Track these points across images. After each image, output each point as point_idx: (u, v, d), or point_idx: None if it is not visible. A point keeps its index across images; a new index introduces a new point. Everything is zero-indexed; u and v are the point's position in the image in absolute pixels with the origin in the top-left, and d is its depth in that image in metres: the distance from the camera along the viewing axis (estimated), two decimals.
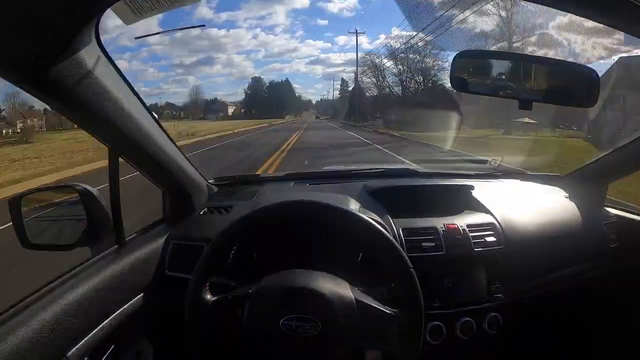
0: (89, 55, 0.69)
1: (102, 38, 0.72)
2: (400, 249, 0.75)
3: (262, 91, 55.39)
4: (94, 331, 0.84)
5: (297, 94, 60.66)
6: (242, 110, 50.83)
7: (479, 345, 1.10)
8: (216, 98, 54.01)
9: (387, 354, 0.77)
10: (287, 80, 60.11)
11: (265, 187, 1.42)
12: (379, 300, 0.75)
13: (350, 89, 36.57)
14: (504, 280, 1.13)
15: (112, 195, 0.97)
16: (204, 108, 50.20)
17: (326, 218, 0.81)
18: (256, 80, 57.78)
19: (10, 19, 0.53)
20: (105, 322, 0.88)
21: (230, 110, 50.68)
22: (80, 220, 1.01)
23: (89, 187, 1.01)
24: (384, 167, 1.65)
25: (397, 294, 0.76)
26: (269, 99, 53.72)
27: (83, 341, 0.81)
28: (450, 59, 1.00)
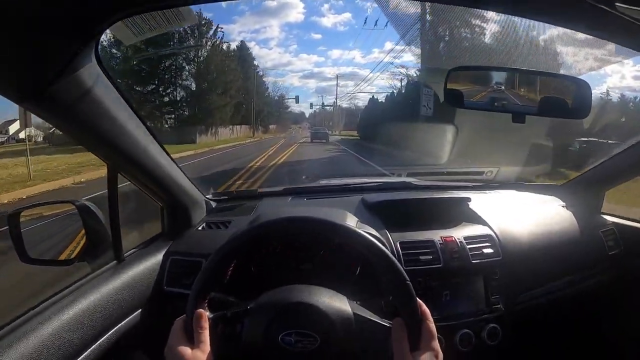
0: (88, 74, 0.70)
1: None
2: (397, 262, 0.75)
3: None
4: (92, 347, 0.84)
5: (276, 93, 38.60)
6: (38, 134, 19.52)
7: (479, 357, 1.10)
8: None
9: None
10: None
11: (263, 202, 1.43)
12: (377, 314, 0.75)
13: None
14: (502, 291, 1.13)
15: (111, 211, 0.98)
16: None
17: (323, 233, 0.81)
18: None
19: (13, 38, 0.54)
20: (104, 337, 0.88)
21: (19, 132, 21.35)
22: (79, 235, 1.02)
23: (87, 203, 1.01)
24: (381, 180, 1.66)
25: (395, 307, 0.76)
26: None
27: (81, 357, 0.81)
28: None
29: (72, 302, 0.84)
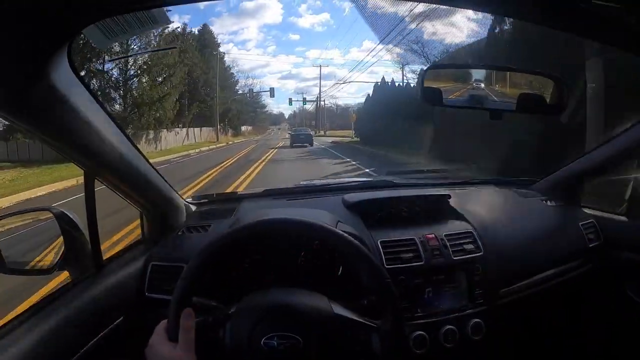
0: (60, 79, 0.68)
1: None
2: (377, 261, 0.76)
3: None
4: (75, 357, 0.83)
5: (248, 87, 31.66)
6: None
7: (464, 352, 1.11)
8: None
9: None
10: None
11: (243, 205, 1.41)
12: (359, 313, 0.75)
13: None
14: (485, 286, 1.14)
15: (89, 218, 0.96)
16: None
17: (303, 234, 0.81)
18: None
19: None
20: (86, 347, 0.86)
21: None
22: (58, 244, 1.00)
23: (65, 210, 1.00)
24: (361, 179, 1.67)
25: (377, 306, 0.76)
26: None
27: None
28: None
29: (52, 312, 0.82)
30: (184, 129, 21.28)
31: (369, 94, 21.26)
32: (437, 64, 1.36)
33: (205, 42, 24.12)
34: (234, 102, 28.51)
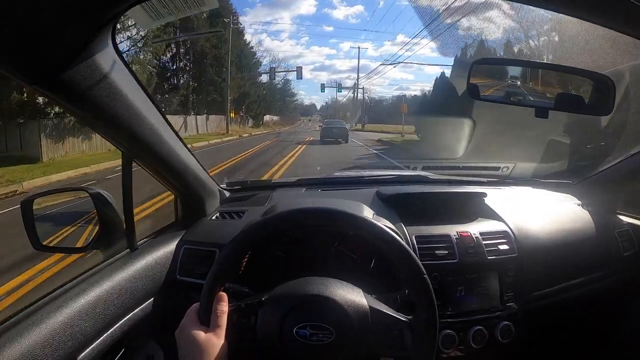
0: (104, 59, 0.69)
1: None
2: (414, 256, 0.74)
3: None
4: (105, 335, 0.85)
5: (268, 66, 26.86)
6: None
7: (492, 355, 1.09)
8: None
9: None
10: None
11: (277, 193, 1.42)
12: (392, 307, 0.74)
13: None
14: (516, 288, 1.11)
15: (124, 199, 0.97)
16: None
17: (339, 225, 0.80)
18: None
19: (27, 22, 0.53)
20: (117, 325, 0.88)
21: None
22: (92, 223, 1.02)
23: (101, 191, 1.01)
24: (396, 173, 1.65)
25: (411, 301, 0.75)
26: None
27: (94, 344, 0.81)
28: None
29: (84, 290, 0.84)
30: (181, 117, 17.26)
31: (443, 72, 16.41)
32: (486, 58, 1.34)
33: (218, 11, 18.12)
34: (253, 86, 23.19)
